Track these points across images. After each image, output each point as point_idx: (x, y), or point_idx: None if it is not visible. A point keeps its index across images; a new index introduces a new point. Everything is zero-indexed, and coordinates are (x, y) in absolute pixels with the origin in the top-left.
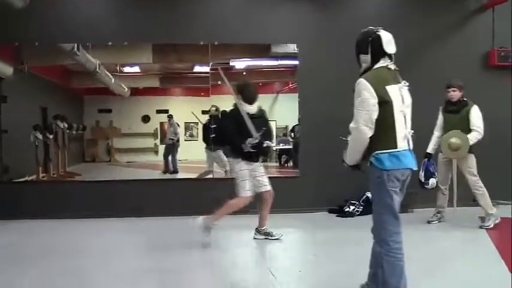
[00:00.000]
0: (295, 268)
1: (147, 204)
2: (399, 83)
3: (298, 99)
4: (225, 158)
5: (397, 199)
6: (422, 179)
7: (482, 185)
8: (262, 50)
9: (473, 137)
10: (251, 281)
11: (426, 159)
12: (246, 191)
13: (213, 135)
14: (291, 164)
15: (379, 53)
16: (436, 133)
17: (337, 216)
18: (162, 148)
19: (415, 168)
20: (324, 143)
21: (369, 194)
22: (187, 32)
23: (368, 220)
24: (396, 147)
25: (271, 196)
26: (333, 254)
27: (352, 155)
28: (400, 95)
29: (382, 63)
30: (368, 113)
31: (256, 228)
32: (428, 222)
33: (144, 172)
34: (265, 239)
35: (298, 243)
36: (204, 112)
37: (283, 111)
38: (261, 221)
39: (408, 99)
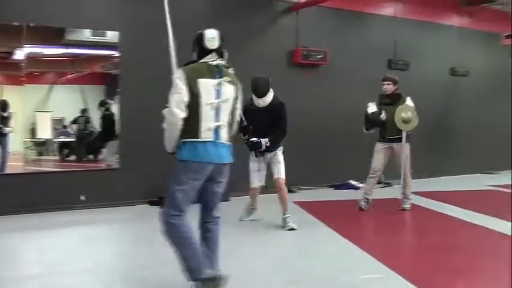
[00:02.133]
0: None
1: None
2: (217, 78)
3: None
4: None
5: (189, 191)
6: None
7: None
8: (54, 36)
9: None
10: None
11: None
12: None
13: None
14: (74, 157)
15: (202, 49)
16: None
17: (160, 207)
18: None
19: (224, 162)
20: (144, 134)
21: None
22: None
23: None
24: (197, 138)
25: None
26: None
27: (169, 140)
28: (215, 89)
29: (205, 59)
30: (180, 95)
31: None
32: (360, 208)
33: None
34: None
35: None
36: None
37: (60, 102)
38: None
39: (227, 95)
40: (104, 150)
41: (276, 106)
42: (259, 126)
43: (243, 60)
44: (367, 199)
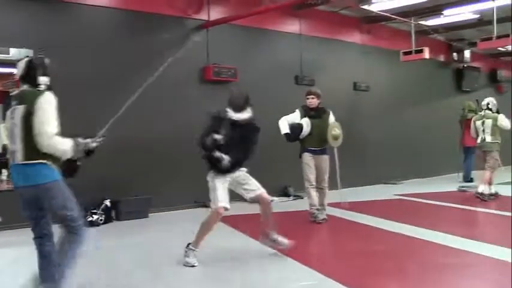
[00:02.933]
0: None
1: None
2: (12, 106)
3: None
4: None
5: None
6: None
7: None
8: None
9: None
10: None
11: None
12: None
13: None
14: None
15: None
16: (285, 120)
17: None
18: None
19: (24, 184)
20: None
21: (107, 202)
22: None
23: (114, 226)
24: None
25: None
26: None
27: None
28: (10, 118)
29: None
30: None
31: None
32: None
33: None
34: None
35: None
36: None
37: None
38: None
39: (16, 119)
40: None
41: (250, 127)
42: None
43: (159, 76)
44: (318, 208)
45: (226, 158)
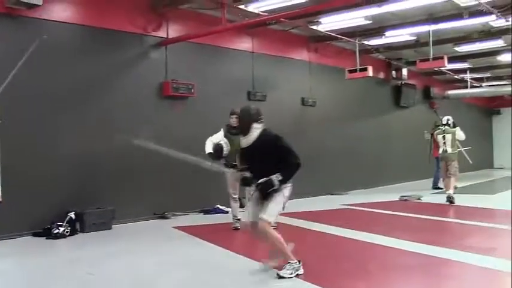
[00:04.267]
0: None
1: None
2: None
3: None
4: None
5: None
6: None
7: None
8: None
9: None
10: None
11: None
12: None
13: None
14: None
15: None
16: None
17: (47, 238)
18: None
19: None
20: (25, 164)
21: (72, 215)
22: None
23: (82, 238)
24: None
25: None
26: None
27: None
28: None
29: None
30: None
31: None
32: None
33: None
34: None
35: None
36: None
37: None
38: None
39: None
40: None
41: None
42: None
43: (120, 91)
44: (238, 219)
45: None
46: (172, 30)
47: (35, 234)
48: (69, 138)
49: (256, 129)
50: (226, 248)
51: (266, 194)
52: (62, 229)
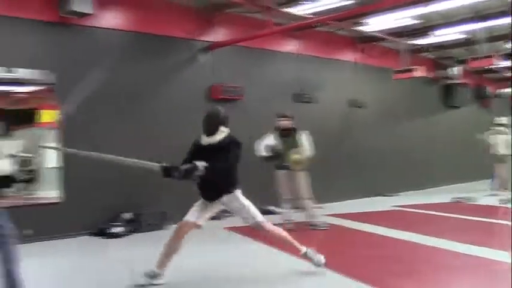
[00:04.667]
0: None
1: None
2: None
3: None
4: None
5: None
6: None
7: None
8: None
9: (308, 155)
10: None
11: None
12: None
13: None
14: None
15: None
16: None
17: (104, 238)
18: None
19: None
20: (84, 168)
21: (127, 216)
22: None
23: (136, 238)
24: None
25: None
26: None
27: None
28: None
29: None
30: None
31: None
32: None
33: None
34: None
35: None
36: None
37: None
38: None
39: None
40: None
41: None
42: None
43: (168, 94)
44: (290, 220)
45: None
46: (220, 34)
47: (92, 234)
48: (123, 142)
49: (222, 132)
50: (276, 248)
51: (232, 206)
52: (117, 229)
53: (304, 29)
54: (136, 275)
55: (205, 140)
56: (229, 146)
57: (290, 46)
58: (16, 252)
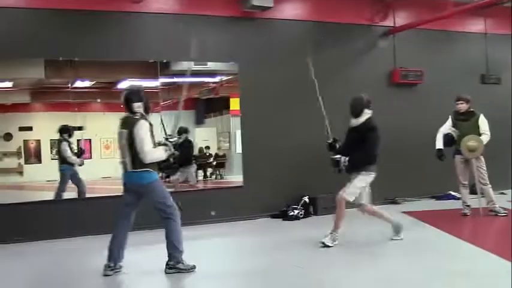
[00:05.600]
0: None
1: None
2: (126, 128)
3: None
4: None
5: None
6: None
7: (487, 180)
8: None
9: (485, 140)
10: None
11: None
12: None
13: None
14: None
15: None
16: (441, 133)
17: (283, 220)
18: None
19: (137, 182)
20: (263, 154)
21: (305, 199)
22: None
23: (313, 220)
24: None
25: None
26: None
27: None
28: (122, 137)
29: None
30: None
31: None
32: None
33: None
34: None
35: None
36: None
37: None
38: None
39: (122, 140)
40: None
41: (365, 128)
42: (346, 145)
43: (346, 80)
44: (468, 205)
45: (342, 159)
46: (399, 18)
47: (273, 216)
48: (299, 130)
49: (366, 114)
50: (451, 234)
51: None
52: (296, 212)
53: (489, 6)
54: None
55: (353, 122)
56: (367, 129)
57: (475, 26)
58: (178, 229)
